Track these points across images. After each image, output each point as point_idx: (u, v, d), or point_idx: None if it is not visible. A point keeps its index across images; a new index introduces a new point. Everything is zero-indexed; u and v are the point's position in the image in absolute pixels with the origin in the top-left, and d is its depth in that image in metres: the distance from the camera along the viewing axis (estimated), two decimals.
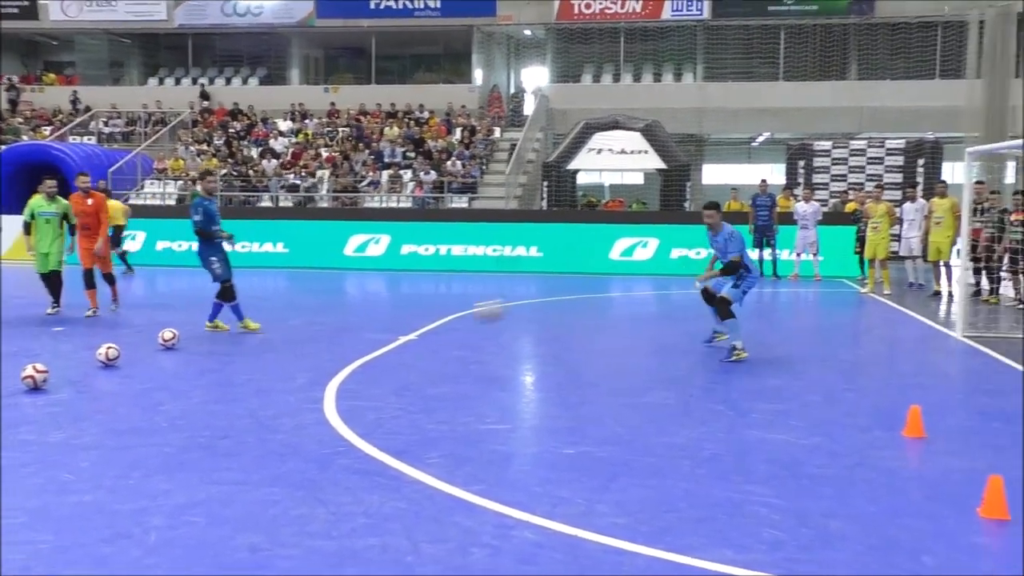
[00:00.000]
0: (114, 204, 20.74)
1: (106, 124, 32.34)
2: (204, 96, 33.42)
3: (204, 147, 29.71)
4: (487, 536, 4.79)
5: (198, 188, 12.16)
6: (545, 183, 25.60)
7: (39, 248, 12.75)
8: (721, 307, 10.02)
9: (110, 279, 13.54)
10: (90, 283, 12.95)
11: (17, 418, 7.13)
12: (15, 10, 34.09)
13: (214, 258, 11.37)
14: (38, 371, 8.08)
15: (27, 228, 12.82)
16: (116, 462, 6.03)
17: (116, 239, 20.55)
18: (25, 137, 30.53)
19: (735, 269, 9.91)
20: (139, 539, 4.71)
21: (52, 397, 7.86)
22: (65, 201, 13.00)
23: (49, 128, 31.88)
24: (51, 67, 37.81)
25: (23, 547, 4.58)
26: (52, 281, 12.95)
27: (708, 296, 10.40)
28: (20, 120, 32.56)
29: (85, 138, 31.37)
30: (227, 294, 11.37)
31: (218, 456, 6.18)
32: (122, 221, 19.73)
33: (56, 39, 37.11)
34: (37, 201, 12.87)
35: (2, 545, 4.52)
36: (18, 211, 23.59)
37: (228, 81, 35.62)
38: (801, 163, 25.79)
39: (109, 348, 9.25)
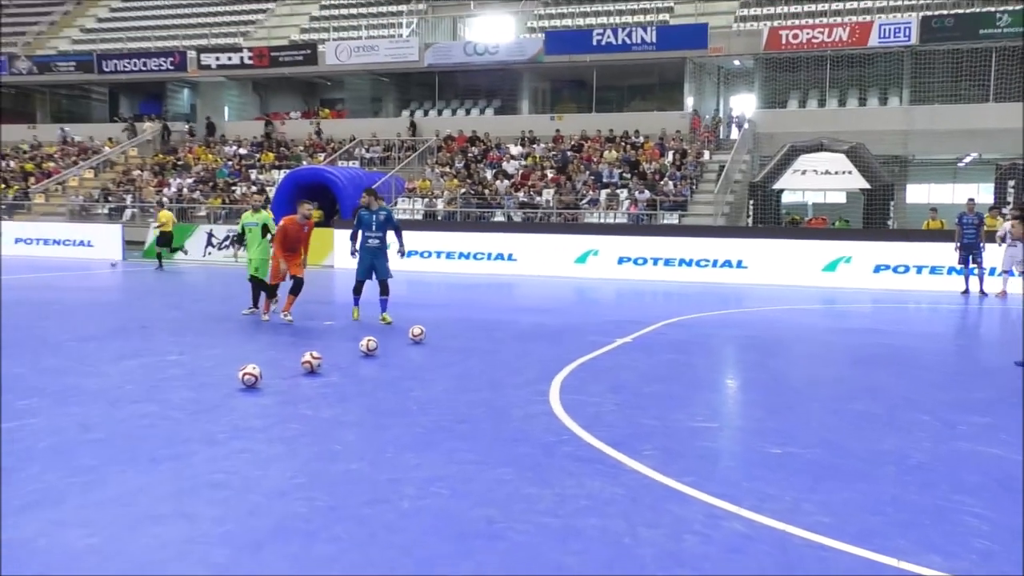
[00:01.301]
0: (164, 213, 23.07)
1: (367, 150, 34.22)
2: (412, 127, 34.87)
3: (447, 169, 30.89)
4: (698, 525, 4.69)
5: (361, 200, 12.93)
6: (751, 201, 24.89)
7: (248, 254, 13.05)
8: None
9: (273, 291, 12.58)
10: (271, 293, 12.55)
11: (297, 396, 7.69)
12: (300, 57, 36.77)
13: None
14: (314, 357, 8.66)
15: (240, 239, 13.38)
16: (375, 438, 6.37)
17: (165, 240, 22.83)
18: (305, 162, 32.87)
19: None
20: (394, 504, 4.94)
21: (325, 379, 8.40)
22: (266, 213, 13.47)
23: (323, 154, 34.17)
24: (325, 103, 40.47)
25: (304, 502, 4.92)
26: (254, 285, 12.93)
27: None
28: (301, 148, 35.09)
29: (351, 162, 33.39)
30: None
31: (458, 438, 6.38)
32: (169, 227, 22.74)
33: (330, 80, 39.63)
34: (246, 215, 13.43)
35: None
36: None
37: (468, 112, 36.84)
38: (1011, 183, 23.66)
39: (369, 340, 9.78)
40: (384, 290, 12.36)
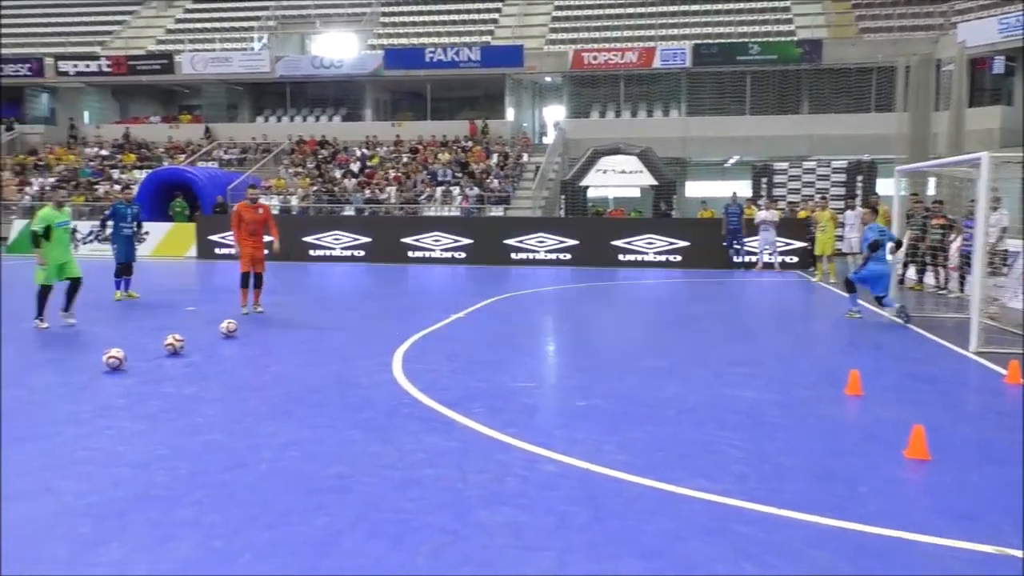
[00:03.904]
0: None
1: (225, 152, 32.57)
2: (207, 132, 33.87)
3: (300, 170, 29.86)
4: (519, 468, 4.81)
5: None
6: (563, 196, 25.53)
7: (47, 258, 9.80)
8: (846, 283, 11.51)
9: (260, 280, 11.46)
10: (244, 283, 11.32)
11: (161, 376, 7.26)
12: (158, 66, 34.47)
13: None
14: (176, 340, 8.19)
15: (37, 240, 9.78)
16: (234, 411, 6.11)
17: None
18: (165, 163, 30.86)
19: (873, 249, 10.78)
20: (252, 468, 4.78)
21: (187, 360, 7.97)
22: (68, 211, 10.47)
23: (183, 155, 32.19)
24: (184, 109, 38.10)
25: (167, 472, 4.66)
26: (44, 294, 9.91)
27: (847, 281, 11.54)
28: (162, 150, 32.90)
29: (210, 163, 31.64)
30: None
31: (311, 406, 6.23)
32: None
33: (187, 88, 37.39)
34: (47, 212, 9.88)
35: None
36: (159, 219, 24.05)
37: (317, 118, 35.68)
38: (764, 180, 25.47)
39: (229, 322, 9.35)
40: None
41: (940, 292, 14.40)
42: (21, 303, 11.08)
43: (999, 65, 27.55)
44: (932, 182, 20.42)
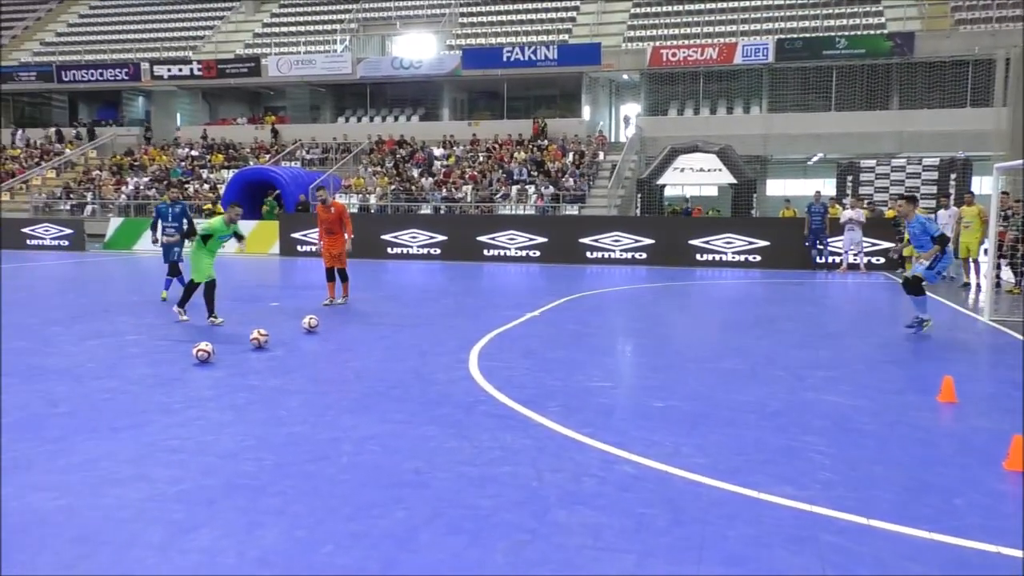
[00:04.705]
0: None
1: (307, 152, 33.46)
2: (274, 132, 34.65)
3: (378, 169, 30.43)
4: (595, 468, 4.77)
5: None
6: (639, 195, 25.25)
7: (206, 268, 10.14)
8: (913, 285, 9.18)
9: (344, 275, 12.05)
10: (330, 277, 11.94)
11: (247, 369, 7.50)
12: (245, 69, 35.70)
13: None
14: (261, 334, 8.44)
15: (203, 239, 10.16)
16: (316, 404, 6.26)
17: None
18: (251, 163, 31.92)
19: (944, 244, 9.05)
20: (334, 460, 4.88)
21: (271, 354, 8.21)
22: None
23: (268, 155, 33.24)
24: (269, 111, 39.36)
25: (253, 462, 4.80)
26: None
27: (907, 283, 9.51)
28: (247, 150, 34.05)
29: (292, 163, 32.58)
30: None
31: (390, 401, 6.33)
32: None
33: (273, 90, 38.58)
34: (219, 225, 10.10)
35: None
36: (245, 217, 24.85)
37: (396, 118, 36.33)
38: (849, 178, 24.59)
39: (311, 318, 9.58)
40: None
41: None
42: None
43: None
44: None
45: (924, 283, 9.37)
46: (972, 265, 15.45)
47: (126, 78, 36.99)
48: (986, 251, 13.30)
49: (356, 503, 4.19)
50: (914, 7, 31.21)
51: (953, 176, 23.14)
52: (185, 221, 12.38)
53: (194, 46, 39.24)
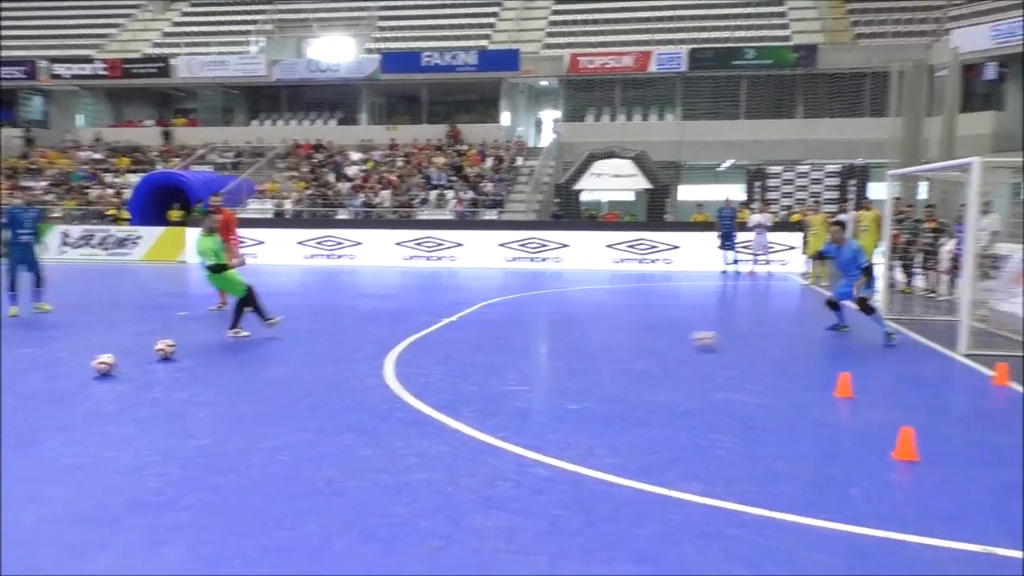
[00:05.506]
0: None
1: (219, 156, 32.52)
2: (166, 136, 33.75)
3: (294, 173, 29.82)
4: (510, 472, 4.80)
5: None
6: (556, 200, 25.56)
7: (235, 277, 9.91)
8: (863, 306, 9.66)
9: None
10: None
11: (151, 381, 7.22)
12: (154, 69, 34.47)
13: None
14: (168, 345, 8.14)
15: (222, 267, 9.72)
16: (225, 415, 6.08)
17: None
18: (159, 166, 30.79)
19: (869, 274, 9.70)
20: (244, 472, 4.76)
21: (179, 364, 7.93)
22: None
23: (177, 159, 32.13)
24: (179, 113, 38.05)
25: (157, 477, 4.64)
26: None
27: (831, 303, 10.13)
28: (155, 154, 32.83)
29: (204, 167, 31.57)
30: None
31: (304, 410, 6.21)
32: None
33: (183, 91, 37.34)
34: (211, 244, 9.71)
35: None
36: (152, 223, 24.00)
37: (312, 122, 35.67)
38: (757, 184, 25.53)
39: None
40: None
41: (930, 295, 14.44)
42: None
43: (991, 71, 27.68)
44: (924, 186, 20.48)
45: (857, 300, 9.76)
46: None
47: (22, 77, 35.17)
48: (882, 253, 14.01)
49: (266, 515, 4.10)
50: (817, 21, 32.65)
51: (852, 182, 24.33)
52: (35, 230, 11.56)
53: (98, 44, 37.60)
